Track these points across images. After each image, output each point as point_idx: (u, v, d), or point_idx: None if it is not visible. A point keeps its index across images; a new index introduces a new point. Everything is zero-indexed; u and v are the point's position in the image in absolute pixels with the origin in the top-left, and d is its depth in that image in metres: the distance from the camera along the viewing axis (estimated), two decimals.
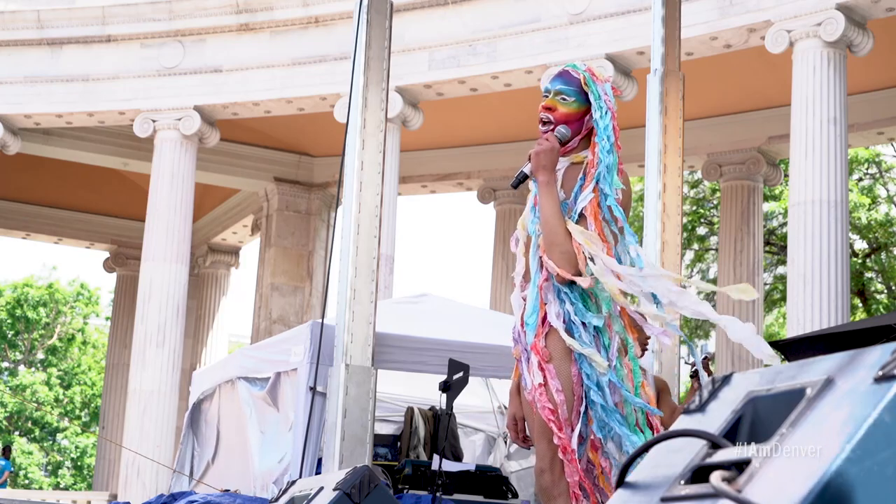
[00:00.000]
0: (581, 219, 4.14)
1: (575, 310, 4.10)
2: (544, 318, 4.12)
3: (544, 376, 4.05)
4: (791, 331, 12.73)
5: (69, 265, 71.01)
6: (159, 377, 16.61)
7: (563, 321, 4.09)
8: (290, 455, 8.22)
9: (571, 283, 4.10)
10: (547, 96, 4.32)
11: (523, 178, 4.21)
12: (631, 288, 4.03)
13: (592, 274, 4.05)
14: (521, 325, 4.16)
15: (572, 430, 4.06)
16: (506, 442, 10.64)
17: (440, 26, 16.10)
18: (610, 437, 4.11)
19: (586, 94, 4.29)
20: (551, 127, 4.24)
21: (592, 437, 4.11)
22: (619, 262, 4.23)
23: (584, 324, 4.10)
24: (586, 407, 4.09)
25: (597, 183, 4.15)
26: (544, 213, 4.15)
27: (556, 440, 4.01)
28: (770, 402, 1.77)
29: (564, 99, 4.27)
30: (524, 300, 4.19)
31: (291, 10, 16.94)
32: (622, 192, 4.19)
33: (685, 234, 22.69)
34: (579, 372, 4.08)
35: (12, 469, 22.28)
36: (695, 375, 6.86)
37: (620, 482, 1.85)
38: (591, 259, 4.04)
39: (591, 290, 4.10)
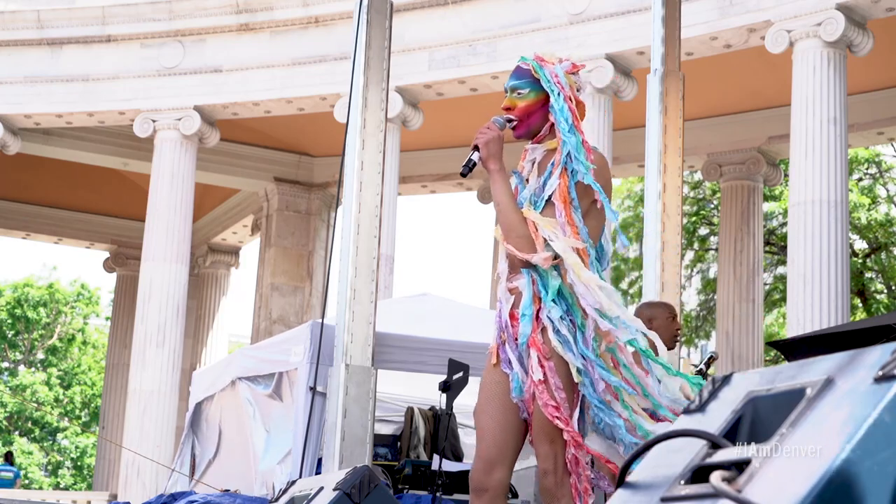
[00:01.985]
0: (548, 205, 4.12)
1: (545, 301, 4.08)
2: (538, 313, 4.10)
3: (545, 373, 4.02)
4: (791, 331, 12.73)
5: (69, 265, 71.02)
6: (159, 377, 16.61)
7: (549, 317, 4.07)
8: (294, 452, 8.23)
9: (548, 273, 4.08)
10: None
11: (472, 166, 4.19)
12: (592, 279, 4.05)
13: (554, 257, 4.03)
14: (511, 318, 4.13)
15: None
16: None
17: (440, 26, 16.10)
18: (601, 429, 4.11)
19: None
20: (514, 125, 4.24)
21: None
22: (602, 248, 4.25)
23: (560, 316, 4.08)
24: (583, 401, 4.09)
25: (564, 167, 4.13)
26: (497, 199, 4.15)
27: (566, 436, 3.99)
28: (770, 402, 1.77)
29: (520, 93, 4.26)
30: (510, 292, 4.16)
31: (291, 10, 16.94)
32: (594, 172, 4.14)
33: (686, 236, 22.69)
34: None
35: (19, 475, 22.29)
36: (699, 375, 6.85)
37: (620, 482, 1.85)
38: (549, 241, 4.02)
39: (554, 275, 4.07)
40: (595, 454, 4.10)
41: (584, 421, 4.11)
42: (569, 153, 4.15)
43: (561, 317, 4.06)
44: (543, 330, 4.07)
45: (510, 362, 4.12)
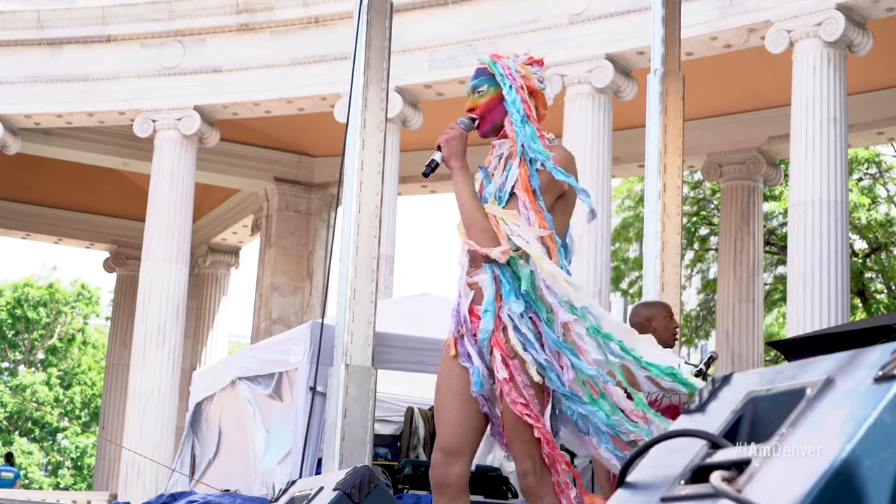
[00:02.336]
0: (512, 198, 4.13)
1: (506, 297, 4.07)
2: (499, 310, 4.09)
3: (510, 371, 4.01)
4: (791, 331, 12.72)
5: (69, 265, 71.01)
6: (159, 377, 16.61)
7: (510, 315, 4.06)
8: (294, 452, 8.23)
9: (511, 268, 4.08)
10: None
11: (435, 166, 4.22)
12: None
13: (516, 249, 4.03)
14: (470, 313, 4.12)
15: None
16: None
17: (440, 26, 16.10)
18: (574, 420, 4.09)
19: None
20: (477, 124, 4.27)
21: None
22: (566, 245, 4.24)
23: (523, 312, 4.06)
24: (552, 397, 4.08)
25: (522, 157, 4.15)
26: (458, 196, 4.18)
27: (536, 433, 3.98)
28: (770, 402, 1.77)
29: (479, 92, 4.30)
30: (469, 287, 4.16)
31: (291, 10, 16.94)
32: (555, 160, 4.14)
33: (686, 236, 22.69)
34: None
35: (20, 475, 22.29)
36: (699, 375, 6.86)
37: (620, 482, 1.85)
38: (511, 234, 4.04)
39: (514, 269, 4.07)
40: (561, 456, 4.07)
41: (556, 417, 4.10)
42: (523, 143, 4.17)
43: (522, 314, 4.05)
44: (504, 329, 4.06)
45: (469, 356, 4.11)
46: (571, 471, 4.06)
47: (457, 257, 4.30)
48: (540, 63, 4.39)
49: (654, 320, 6.10)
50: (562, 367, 4.04)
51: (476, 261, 4.15)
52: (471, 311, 4.13)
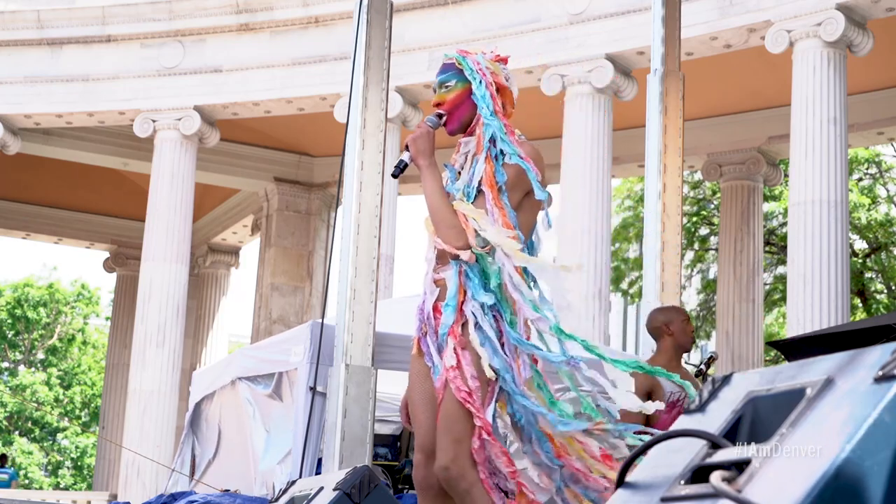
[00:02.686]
0: (480, 195, 4.11)
1: (474, 291, 4.06)
2: (462, 305, 4.07)
3: (458, 360, 3.99)
4: (791, 331, 12.72)
5: (69, 265, 71.01)
6: (159, 377, 16.61)
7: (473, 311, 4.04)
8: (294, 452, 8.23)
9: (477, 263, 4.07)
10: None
11: (404, 167, 4.18)
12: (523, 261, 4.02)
13: (484, 245, 4.02)
14: (434, 310, 4.11)
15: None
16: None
17: (440, 26, 16.10)
18: (521, 422, 4.08)
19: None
20: (445, 120, 4.25)
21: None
22: (532, 244, 4.20)
23: (483, 309, 4.05)
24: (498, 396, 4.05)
25: (488, 153, 4.13)
26: (427, 193, 4.15)
27: (477, 422, 3.95)
28: (770, 402, 1.77)
29: (447, 87, 4.27)
30: (436, 284, 4.15)
31: (291, 10, 16.94)
32: (534, 154, 4.14)
33: (686, 236, 22.69)
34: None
35: (16, 476, 22.26)
36: (699, 375, 6.87)
37: (620, 482, 1.85)
38: (479, 231, 4.01)
39: (483, 266, 4.06)
40: (503, 451, 4.03)
41: (496, 420, 4.06)
42: (492, 137, 4.15)
43: (485, 311, 4.03)
44: (465, 323, 4.05)
45: (432, 355, 4.11)
46: (510, 472, 3.99)
47: (424, 253, 4.28)
48: (505, 61, 4.38)
49: (672, 324, 6.13)
50: (518, 368, 4.03)
51: (443, 257, 4.14)
52: (435, 308, 4.13)
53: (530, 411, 4.05)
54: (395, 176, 4.21)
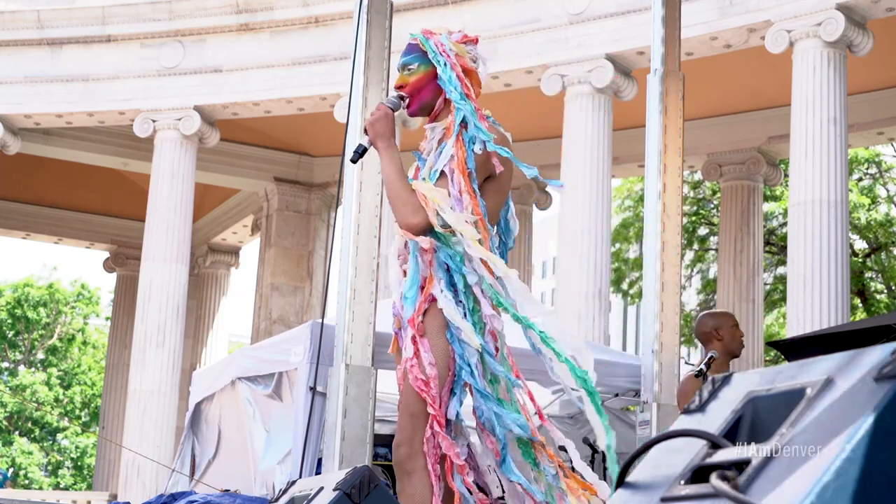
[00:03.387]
0: (441, 177, 4.00)
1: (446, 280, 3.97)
2: (423, 291, 3.99)
3: (416, 349, 3.92)
4: (791, 331, 12.73)
5: (69, 265, 71.05)
6: (159, 377, 16.61)
7: (443, 291, 3.95)
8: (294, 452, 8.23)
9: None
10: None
11: (362, 152, 4.10)
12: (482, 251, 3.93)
13: (443, 225, 3.91)
14: (400, 299, 4.06)
15: (441, 406, 3.94)
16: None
17: (440, 26, 16.09)
18: (482, 419, 4.00)
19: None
20: (407, 102, 4.15)
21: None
22: (507, 226, 4.13)
23: (455, 292, 3.96)
24: (460, 386, 3.98)
25: (458, 136, 4.01)
26: (385, 175, 4.05)
27: (431, 411, 3.89)
28: (770, 402, 1.77)
29: (409, 69, 4.17)
30: (405, 274, 4.08)
31: (291, 10, 16.94)
32: (501, 136, 4.04)
33: (686, 236, 22.69)
34: (453, 349, 3.96)
35: (8, 477, 22.26)
36: (699, 375, 6.87)
37: (620, 482, 1.85)
38: (440, 211, 3.91)
39: (445, 245, 3.95)
40: (450, 444, 3.96)
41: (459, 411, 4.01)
42: (463, 120, 4.03)
43: (449, 290, 3.94)
44: (427, 310, 3.96)
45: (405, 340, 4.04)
46: (458, 467, 3.94)
47: (388, 247, 4.23)
48: (475, 41, 4.26)
49: (721, 329, 6.19)
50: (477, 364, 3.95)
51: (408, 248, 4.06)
52: (402, 298, 4.07)
53: (487, 413, 3.97)
54: (353, 161, 4.13)
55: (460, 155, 3.98)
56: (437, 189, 3.93)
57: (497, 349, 3.99)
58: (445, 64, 4.11)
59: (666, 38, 7.79)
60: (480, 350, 3.92)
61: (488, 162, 3.99)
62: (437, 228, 3.91)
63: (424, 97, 4.14)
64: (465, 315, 3.95)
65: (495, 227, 4.12)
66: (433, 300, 3.97)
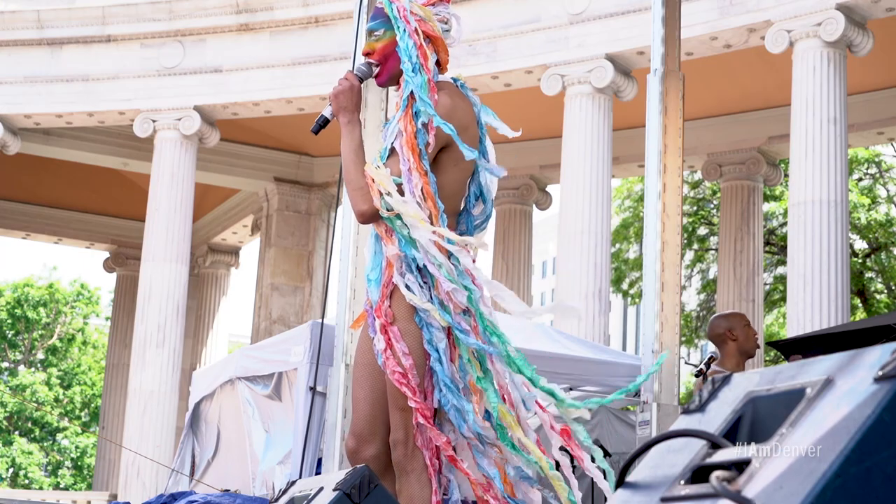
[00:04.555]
0: (392, 154, 3.83)
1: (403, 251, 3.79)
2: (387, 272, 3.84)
3: (388, 339, 3.77)
4: (791, 331, 12.73)
5: (69, 265, 71.05)
6: (159, 377, 16.61)
7: (403, 274, 3.78)
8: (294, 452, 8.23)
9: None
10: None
11: (324, 123, 3.95)
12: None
13: (388, 209, 3.73)
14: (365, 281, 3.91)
15: (425, 397, 3.80)
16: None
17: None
18: (446, 409, 3.82)
19: None
20: (376, 71, 3.96)
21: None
22: (484, 195, 3.96)
23: (419, 272, 3.79)
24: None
25: (406, 110, 3.82)
26: (342, 154, 3.89)
27: (412, 404, 3.74)
28: (770, 402, 1.77)
29: (376, 35, 3.96)
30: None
31: (291, 10, 16.94)
32: (449, 107, 3.81)
33: (686, 236, 22.69)
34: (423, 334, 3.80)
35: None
36: (699, 376, 6.89)
37: (620, 482, 1.85)
38: (385, 195, 3.74)
39: (394, 229, 3.78)
40: (438, 437, 3.81)
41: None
42: (411, 93, 3.83)
43: (406, 273, 3.78)
44: (394, 292, 3.82)
45: (375, 328, 3.87)
46: (447, 455, 3.80)
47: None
48: (447, 1, 4.04)
49: (735, 330, 6.20)
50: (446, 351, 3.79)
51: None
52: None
53: (455, 406, 3.81)
54: (315, 132, 3.97)
55: (409, 130, 3.79)
56: (381, 171, 3.77)
57: (475, 327, 3.79)
58: (404, 30, 3.89)
59: (666, 38, 7.79)
60: (449, 327, 3.76)
61: (440, 134, 3.79)
62: (383, 213, 3.76)
63: (392, 66, 3.95)
64: (430, 298, 3.78)
65: (463, 200, 3.93)
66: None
